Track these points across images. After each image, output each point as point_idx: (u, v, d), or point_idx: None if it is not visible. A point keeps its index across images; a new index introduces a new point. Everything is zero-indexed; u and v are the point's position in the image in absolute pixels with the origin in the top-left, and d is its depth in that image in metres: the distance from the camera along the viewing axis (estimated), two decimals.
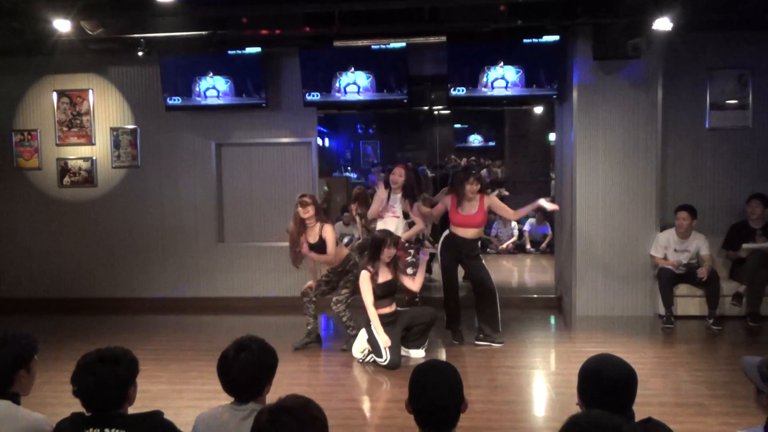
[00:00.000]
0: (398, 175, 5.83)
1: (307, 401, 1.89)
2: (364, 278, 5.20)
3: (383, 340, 5.10)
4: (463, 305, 5.85)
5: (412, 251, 6.14)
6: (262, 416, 1.83)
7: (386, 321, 5.23)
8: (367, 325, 5.22)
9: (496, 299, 5.59)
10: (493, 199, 5.71)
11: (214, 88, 7.00)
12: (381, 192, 5.93)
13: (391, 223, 5.82)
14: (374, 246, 5.29)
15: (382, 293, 5.26)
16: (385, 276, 5.28)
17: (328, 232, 5.49)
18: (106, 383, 2.21)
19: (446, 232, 5.71)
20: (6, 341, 2.49)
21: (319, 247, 5.50)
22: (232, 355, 2.40)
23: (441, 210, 5.82)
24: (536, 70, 6.57)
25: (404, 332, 5.32)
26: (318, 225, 5.48)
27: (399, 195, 5.88)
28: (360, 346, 5.30)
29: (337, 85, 6.85)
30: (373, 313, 5.19)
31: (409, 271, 5.95)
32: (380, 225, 5.83)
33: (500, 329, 5.62)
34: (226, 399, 2.45)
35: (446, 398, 2.11)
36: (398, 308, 5.46)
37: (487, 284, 5.55)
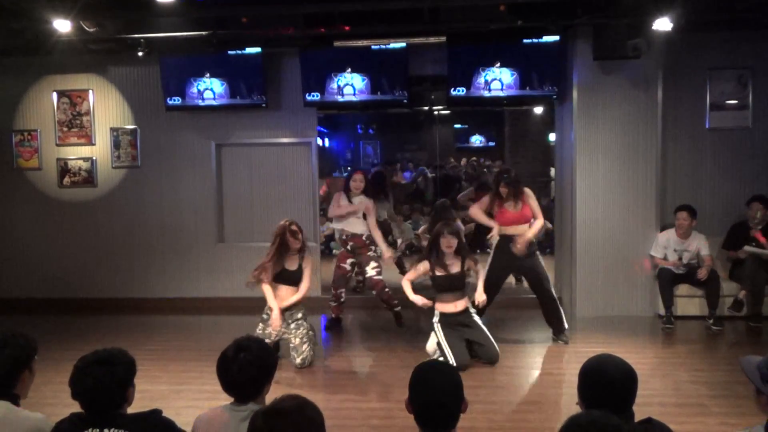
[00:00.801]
0: (359, 181, 6.23)
1: (304, 402, 1.86)
2: (423, 265, 5.21)
3: (416, 299, 5.17)
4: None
5: (374, 247, 6.35)
6: (257, 419, 1.81)
7: (448, 320, 5.12)
8: (433, 327, 5.16)
9: (554, 299, 5.67)
10: (531, 197, 5.72)
11: (213, 88, 6.99)
12: (339, 201, 6.32)
13: (355, 223, 6.22)
14: (433, 240, 5.24)
15: (444, 286, 5.15)
16: (449, 269, 5.15)
17: (310, 265, 5.37)
18: (103, 385, 2.20)
19: (498, 237, 5.67)
20: (8, 342, 2.48)
21: (291, 276, 5.27)
22: (231, 356, 2.40)
23: (484, 205, 5.75)
24: (536, 70, 6.57)
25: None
26: (299, 254, 5.31)
27: (361, 197, 6.23)
28: (431, 347, 5.24)
29: (337, 85, 6.85)
30: (405, 284, 5.25)
31: (370, 269, 6.16)
32: (343, 224, 6.26)
33: (565, 327, 5.69)
34: (226, 399, 2.45)
35: (446, 398, 2.11)
36: (471, 312, 5.23)
37: (545, 285, 5.61)
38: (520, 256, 5.50)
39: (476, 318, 5.21)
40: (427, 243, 5.41)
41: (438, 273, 5.15)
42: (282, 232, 5.22)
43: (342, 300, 6.30)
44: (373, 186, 6.60)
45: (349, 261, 6.31)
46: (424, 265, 5.24)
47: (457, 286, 5.17)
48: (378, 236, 6.25)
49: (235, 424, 2.35)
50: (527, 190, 5.75)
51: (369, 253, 6.24)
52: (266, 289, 5.22)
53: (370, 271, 6.17)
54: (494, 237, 5.62)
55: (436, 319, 5.18)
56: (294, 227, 5.27)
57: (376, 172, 7.76)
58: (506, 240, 5.59)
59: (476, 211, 5.74)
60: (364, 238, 6.21)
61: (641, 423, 2.15)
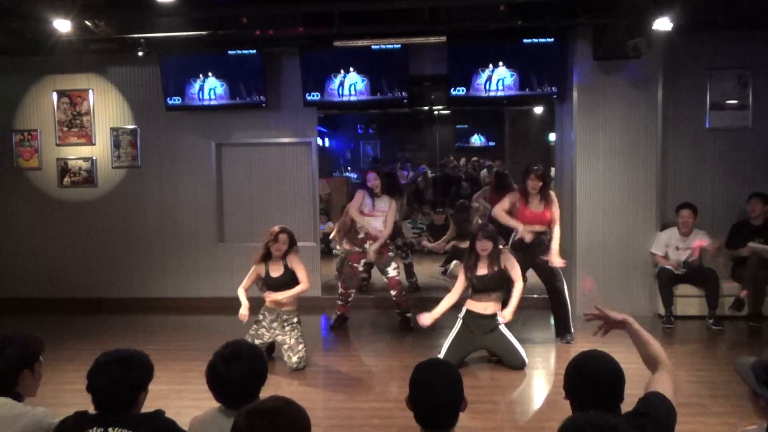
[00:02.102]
0: (374, 179, 6.24)
1: (287, 403, 1.85)
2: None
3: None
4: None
5: (392, 247, 6.46)
6: (239, 419, 1.82)
7: (471, 321, 5.10)
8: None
9: (564, 299, 5.66)
10: (555, 202, 5.74)
11: (213, 88, 6.99)
12: (364, 200, 6.28)
13: (377, 220, 6.20)
14: (471, 242, 5.27)
15: (476, 286, 5.13)
16: (483, 269, 5.14)
17: (296, 261, 5.20)
18: (118, 384, 2.22)
19: (515, 234, 5.75)
20: (12, 341, 2.49)
21: (282, 280, 5.18)
22: (222, 368, 2.33)
23: (505, 207, 5.80)
24: (536, 70, 6.57)
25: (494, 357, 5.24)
26: (283, 260, 5.23)
27: (383, 197, 6.26)
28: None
29: (337, 85, 6.85)
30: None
31: (391, 270, 6.17)
32: (365, 222, 6.19)
33: (571, 329, 5.69)
34: None
35: (446, 396, 2.12)
36: (498, 320, 5.12)
37: (556, 284, 5.64)
38: (535, 249, 5.57)
39: (502, 328, 5.13)
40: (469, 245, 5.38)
41: (472, 273, 5.16)
42: (267, 241, 5.23)
43: (350, 300, 6.30)
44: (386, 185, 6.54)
45: (362, 261, 6.28)
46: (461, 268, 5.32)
47: (489, 287, 5.12)
48: (387, 231, 6.31)
49: (228, 427, 2.34)
50: (553, 194, 5.82)
51: (389, 253, 6.26)
52: (240, 291, 5.31)
53: (392, 271, 6.18)
54: (523, 235, 5.58)
55: (461, 314, 5.19)
56: (282, 235, 5.18)
57: (387, 171, 7.72)
58: (521, 240, 5.63)
59: (499, 212, 5.78)
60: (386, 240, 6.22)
61: (633, 416, 2.14)
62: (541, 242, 5.64)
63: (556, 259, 5.57)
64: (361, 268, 6.37)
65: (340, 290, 6.30)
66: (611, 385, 2.15)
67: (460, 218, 7.77)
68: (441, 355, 4.96)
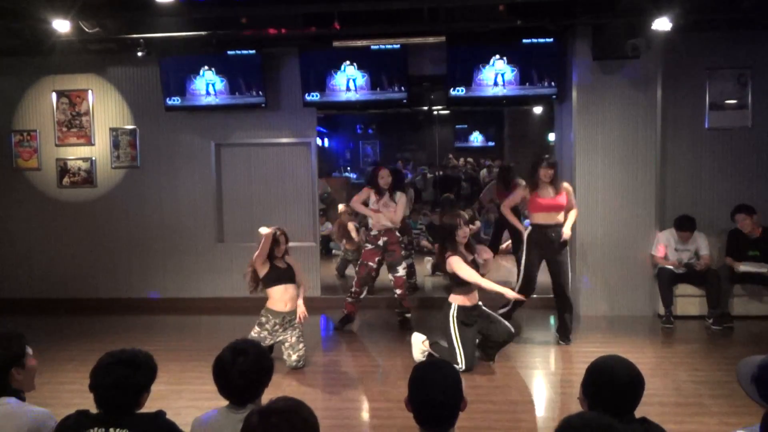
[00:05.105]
0: (387, 176, 6.19)
1: (298, 404, 1.87)
2: (457, 261, 4.92)
3: (507, 292, 4.98)
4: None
5: (404, 244, 6.39)
6: (252, 418, 1.83)
7: (466, 316, 5.00)
8: (445, 330, 5.01)
9: (568, 304, 5.64)
10: (568, 187, 5.73)
11: (213, 88, 6.99)
12: (372, 196, 6.23)
13: (388, 213, 6.16)
14: (448, 233, 5.04)
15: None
16: (467, 258, 5.04)
17: (296, 263, 5.37)
18: (122, 386, 2.22)
19: (529, 228, 5.69)
20: None
21: (285, 274, 5.27)
22: (229, 361, 2.37)
23: (516, 201, 5.87)
24: (535, 70, 6.57)
25: (480, 337, 5.13)
26: (282, 257, 5.36)
27: (396, 193, 6.24)
28: (417, 348, 5.23)
29: (337, 85, 6.85)
30: (484, 282, 4.92)
31: (401, 269, 6.16)
32: (378, 217, 6.13)
33: (569, 331, 5.69)
34: (225, 400, 2.45)
35: (445, 396, 2.12)
36: (481, 305, 5.11)
37: (564, 289, 5.60)
38: (552, 243, 5.52)
39: (484, 308, 5.13)
40: (441, 239, 5.23)
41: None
42: (274, 238, 5.25)
43: (360, 298, 6.27)
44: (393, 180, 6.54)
45: (376, 259, 6.22)
46: (460, 259, 5.02)
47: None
48: (398, 216, 6.23)
49: (233, 426, 2.34)
50: (567, 184, 5.77)
51: (402, 252, 6.26)
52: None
53: (401, 270, 6.17)
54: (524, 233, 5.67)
55: (452, 313, 5.01)
56: (282, 237, 5.29)
57: (392, 167, 7.70)
58: (539, 232, 5.57)
59: (507, 211, 5.88)
60: (397, 233, 6.20)
61: (638, 422, 2.16)
62: (559, 237, 5.56)
63: (566, 230, 5.53)
64: (375, 266, 6.28)
65: (354, 288, 6.22)
66: (630, 392, 2.16)
67: (450, 212, 7.76)
68: (460, 361, 4.86)
